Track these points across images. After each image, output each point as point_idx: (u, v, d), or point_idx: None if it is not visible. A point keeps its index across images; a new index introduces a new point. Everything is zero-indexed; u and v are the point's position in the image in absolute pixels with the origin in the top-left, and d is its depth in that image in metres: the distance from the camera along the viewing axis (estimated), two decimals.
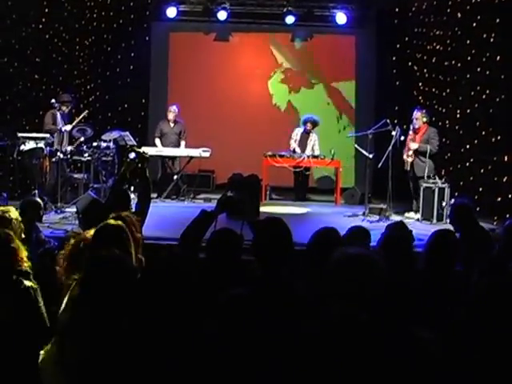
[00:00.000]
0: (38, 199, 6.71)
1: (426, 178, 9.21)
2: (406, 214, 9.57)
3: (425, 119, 9.50)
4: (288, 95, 13.67)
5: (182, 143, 11.47)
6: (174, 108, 11.48)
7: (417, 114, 9.52)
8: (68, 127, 9.74)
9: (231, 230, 3.98)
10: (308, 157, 11.25)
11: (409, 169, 9.68)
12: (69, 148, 9.73)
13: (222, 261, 3.73)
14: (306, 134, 11.71)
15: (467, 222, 5.42)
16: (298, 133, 11.78)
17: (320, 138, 11.78)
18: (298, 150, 11.57)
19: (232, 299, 2.78)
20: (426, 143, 9.41)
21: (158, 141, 11.38)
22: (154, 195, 9.38)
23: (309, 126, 11.68)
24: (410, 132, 9.62)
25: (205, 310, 2.66)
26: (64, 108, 9.93)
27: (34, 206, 5.90)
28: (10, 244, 3.49)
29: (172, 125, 11.45)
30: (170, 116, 11.40)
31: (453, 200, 5.69)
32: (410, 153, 9.56)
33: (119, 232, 3.61)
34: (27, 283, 3.42)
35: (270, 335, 2.67)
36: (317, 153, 11.48)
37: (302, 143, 11.68)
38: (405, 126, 9.57)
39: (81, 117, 10.08)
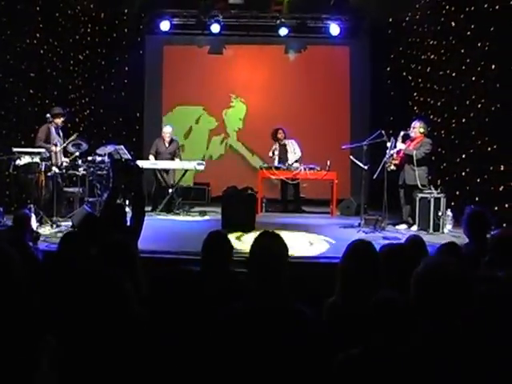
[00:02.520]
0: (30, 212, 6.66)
1: (420, 186, 9.19)
2: (397, 227, 9.48)
3: (422, 130, 9.48)
4: (283, 107, 13.64)
5: (177, 160, 11.34)
6: (168, 128, 11.41)
7: (415, 123, 9.53)
8: (58, 148, 9.68)
9: (223, 233, 4.00)
10: (304, 169, 11.21)
11: (399, 176, 9.60)
12: (64, 162, 9.71)
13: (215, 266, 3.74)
14: (282, 146, 11.70)
15: (477, 231, 5.39)
16: (276, 147, 11.73)
17: None
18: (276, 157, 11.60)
19: (231, 315, 2.75)
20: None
21: (151, 157, 11.24)
22: (148, 208, 9.37)
23: (280, 135, 11.65)
24: (399, 140, 9.51)
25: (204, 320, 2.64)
26: (57, 121, 9.87)
27: (24, 220, 5.88)
28: None
29: (167, 145, 11.34)
30: (166, 137, 11.31)
31: (468, 208, 5.60)
32: (393, 162, 9.48)
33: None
34: None
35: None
36: (299, 154, 11.52)
37: (283, 155, 11.64)
38: (402, 133, 9.52)
39: (70, 139, 9.97)
